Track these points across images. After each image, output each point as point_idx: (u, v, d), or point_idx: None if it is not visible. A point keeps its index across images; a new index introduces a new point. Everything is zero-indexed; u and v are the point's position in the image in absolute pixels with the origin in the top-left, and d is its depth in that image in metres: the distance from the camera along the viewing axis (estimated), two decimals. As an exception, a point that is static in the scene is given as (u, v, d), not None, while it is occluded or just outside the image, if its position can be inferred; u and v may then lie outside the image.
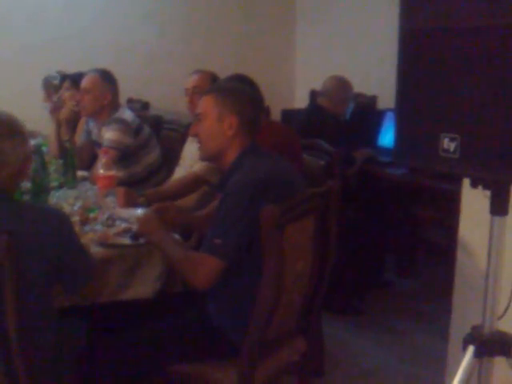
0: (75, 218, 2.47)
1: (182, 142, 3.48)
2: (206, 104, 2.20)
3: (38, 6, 4.67)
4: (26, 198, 2.57)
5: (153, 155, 3.59)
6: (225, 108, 2.16)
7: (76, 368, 2.11)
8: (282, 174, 2.14)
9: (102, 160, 2.80)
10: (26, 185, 2.59)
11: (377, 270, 4.23)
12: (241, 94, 2.23)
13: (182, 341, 2.16)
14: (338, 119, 4.08)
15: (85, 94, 3.50)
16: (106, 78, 3.53)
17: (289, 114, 4.83)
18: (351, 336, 3.56)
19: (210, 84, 3.10)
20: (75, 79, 3.78)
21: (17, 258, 1.72)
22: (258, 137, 2.28)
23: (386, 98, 4.28)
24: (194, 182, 3.07)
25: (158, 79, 4.99)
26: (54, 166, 3.11)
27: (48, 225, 1.89)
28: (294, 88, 5.74)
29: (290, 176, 2.18)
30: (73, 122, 3.87)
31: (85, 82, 3.52)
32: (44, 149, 2.94)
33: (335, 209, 2.27)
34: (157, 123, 4.07)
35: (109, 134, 3.43)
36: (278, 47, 5.68)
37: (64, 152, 3.14)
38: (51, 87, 4.05)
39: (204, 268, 2.02)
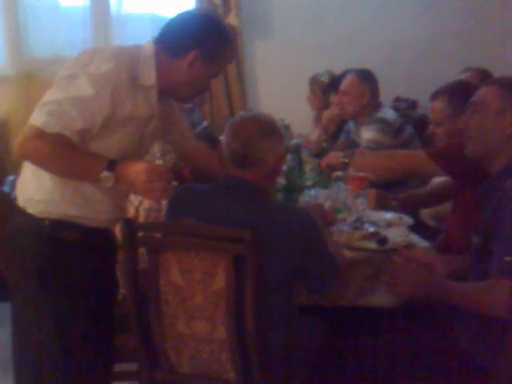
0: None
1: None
2: (485, 95, 1.99)
3: (316, 7, 4.77)
4: (280, 195, 2.63)
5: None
6: (509, 102, 1.93)
7: (309, 367, 2.11)
8: None
9: (356, 160, 2.74)
10: (281, 182, 2.64)
11: None
12: None
13: (421, 359, 2.00)
14: None
15: (343, 95, 3.51)
16: (364, 77, 3.49)
17: None
18: None
19: None
20: (338, 84, 3.79)
21: (259, 253, 1.77)
22: None
23: None
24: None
25: (428, 77, 4.73)
26: (311, 166, 3.15)
27: (296, 226, 1.89)
28: None
29: None
30: (334, 124, 3.90)
31: (343, 85, 3.54)
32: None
33: None
34: (422, 123, 3.88)
35: (368, 134, 3.38)
36: None
37: (321, 152, 3.15)
38: (318, 85, 4.12)
39: (501, 293, 1.77)
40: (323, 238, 2.01)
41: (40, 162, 1.81)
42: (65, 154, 1.77)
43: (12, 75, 4.36)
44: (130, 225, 1.87)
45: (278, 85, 4.67)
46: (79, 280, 1.92)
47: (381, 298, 2.23)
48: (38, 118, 1.75)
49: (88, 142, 1.82)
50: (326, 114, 3.86)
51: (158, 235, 1.92)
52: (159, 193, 1.75)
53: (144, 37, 4.22)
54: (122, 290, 2.25)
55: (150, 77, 1.88)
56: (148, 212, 2.35)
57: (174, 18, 1.93)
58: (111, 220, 2.00)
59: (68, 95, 1.76)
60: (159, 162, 1.87)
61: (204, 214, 1.88)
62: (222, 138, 3.39)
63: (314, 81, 4.24)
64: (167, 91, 1.95)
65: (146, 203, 2.36)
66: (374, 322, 2.29)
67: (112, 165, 1.75)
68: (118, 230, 2.18)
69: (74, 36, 4.40)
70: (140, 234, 1.89)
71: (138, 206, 2.36)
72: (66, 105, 1.75)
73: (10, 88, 4.34)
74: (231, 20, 4.59)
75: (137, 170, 1.73)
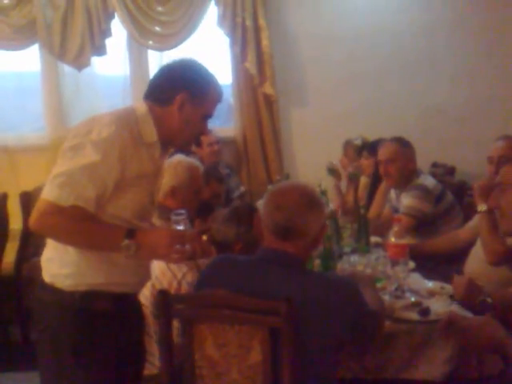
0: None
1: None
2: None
3: (349, 75, 4.84)
4: (317, 261, 2.58)
5: (454, 225, 3.34)
6: None
7: None
8: None
9: (395, 228, 2.68)
10: (319, 249, 2.59)
11: None
12: None
13: None
14: None
15: (389, 164, 3.45)
16: (405, 144, 3.45)
17: None
18: None
19: None
20: (374, 147, 3.80)
21: (296, 326, 1.72)
22: None
23: None
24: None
25: (465, 142, 4.73)
26: (349, 232, 3.10)
27: (339, 299, 1.83)
28: None
29: None
30: (369, 188, 3.89)
31: (387, 153, 3.46)
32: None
33: None
34: (460, 190, 3.83)
35: (407, 201, 3.33)
36: None
37: (359, 218, 3.11)
38: (352, 148, 4.19)
39: None
40: (366, 306, 1.93)
41: (59, 236, 1.82)
42: (83, 227, 1.77)
43: (50, 144, 4.47)
44: (165, 296, 1.85)
45: (314, 150, 4.72)
46: (111, 350, 1.89)
47: (425, 371, 2.14)
48: (50, 192, 1.75)
49: (104, 206, 1.82)
50: (361, 180, 3.85)
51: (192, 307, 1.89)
52: (179, 255, 1.78)
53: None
54: (157, 363, 2.20)
55: (151, 134, 1.90)
56: (191, 286, 2.31)
57: (157, 72, 1.97)
58: (138, 282, 1.99)
59: (76, 165, 1.77)
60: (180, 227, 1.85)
61: (241, 285, 1.84)
62: (260, 203, 3.43)
63: (347, 144, 4.31)
64: (167, 141, 1.97)
65: (189, 277, 2.33)
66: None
67: (131, 233, 1.76)
68: (143, 299, 2.16)
69: (115, 104, 4.50)
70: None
71: (181, 279, 2.33)
72: (75, 175, 1.76)
73: (47, 156, 4.43)
74: (267, 89, 4.69)
75: (158, 235, 1.78)
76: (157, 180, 1.99)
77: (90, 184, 1.76)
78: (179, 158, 3.07)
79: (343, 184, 4.17)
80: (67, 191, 1.74)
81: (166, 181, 2.86)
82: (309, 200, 1.90)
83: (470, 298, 2.21)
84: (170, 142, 1.99)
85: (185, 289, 2.32)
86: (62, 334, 1.87)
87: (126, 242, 1.74)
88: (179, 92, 1.89)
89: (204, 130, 2.01)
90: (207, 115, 1.98)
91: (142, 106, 1.93)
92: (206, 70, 1.97)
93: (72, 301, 1.85)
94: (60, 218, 1.74)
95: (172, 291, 2.25)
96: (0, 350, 3.89)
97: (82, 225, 1.77)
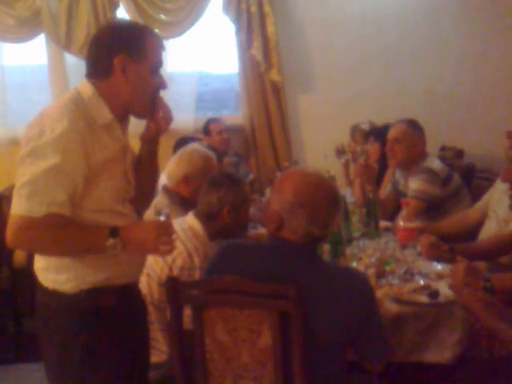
0: (371, 270, 2.40)
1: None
2: None
3: (356, 59, 4.81)
4: (326, 246, 2.58)
5: (462, 207, 3.34)
6: None
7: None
8: None
9: (403, 211, 2.69)
10: (328, 234, 2.60)
11: None
12: None
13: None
14: None
15: (395, 143, 3.44)
16: (415, 127, 3.45)
17: None
18: None
19: None
20: (380, 133, 3.79)
21: (305, 310, 1.72)
22: None
23: None
24: None
25: (473, 125, 4.70)
26: (358, 216, 3.10)
27: (349, 289, 1.83)
28: None
29: None
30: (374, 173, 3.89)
31: (395, 133, 3.46)
32: (349, 199, 2.95)
33: None
34: (469, 172, 3.83)
35: (415, 184, 3.32)
36: None
37: (367, 202, 3.11)
38: (360, 132, 4.18)
39: None
40: (378, 307, 1.95)
41: (40, 250, 1.77)
42: (63, 235, 1.71)
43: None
44: (175, 283, 1.85)
45: (322, 136, 4.70)
46: (121, 345, 1.85)
47: (435, 354, 2.15)
48: (19, 206, 1.66)
49: (80, 204, 1.74)
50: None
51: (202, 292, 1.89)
52: (168, 247, 1.74)
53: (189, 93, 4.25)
54: (164, 349, 2.22)
55: (105, 114, 1.80)
56: (181, 271, 2.33)
57: (88, 49, 1.87)
58: (137, 269, 1.96)
59: (37, 171, 1.66)
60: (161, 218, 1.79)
61: (250, 271, 1.83)
62: (269, 191, 3.43)
63: (355, 129, 4.30)
64: (125, 113, 1.86)
65: (179, 261, 2.34)
66: (428, 377, 2.20)
67: (115, 231, 1.70)
68: (143, 286, 2.17)
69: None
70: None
71: (171, 264, 2.35)
72: (40, 181, 1.66)
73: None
74: (273, 76, 4.68)
75: (144, 229, 1.74)
76: (126, 157, 1.89)
77: (58, 187, 1.67)
78: (195, 146, 3.09)
79: (351, 168, 4.17)
80: (37, 201, 1.65)
81: (180, 167, 2.88)
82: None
83: (470, 284, 2.19)
84: (128, 111, 1.87)
85: (176, 273, 2.33)
86: (71, 336, 1.80)
87: (111, 241, 1.69)
88: (114, 56, 1.77)
89: (161, 83, 1.86)
90: (155, 66, 1.84)
91: (86, 87, 1.82)
92: (132, 23, 1.88)
93: (78, 301, 1.80)
94: (37, 231, 1.67)
95: (163, 277, 2.27)
96: (15, 342, 3.96)
97: (61, 233, 1.70)
